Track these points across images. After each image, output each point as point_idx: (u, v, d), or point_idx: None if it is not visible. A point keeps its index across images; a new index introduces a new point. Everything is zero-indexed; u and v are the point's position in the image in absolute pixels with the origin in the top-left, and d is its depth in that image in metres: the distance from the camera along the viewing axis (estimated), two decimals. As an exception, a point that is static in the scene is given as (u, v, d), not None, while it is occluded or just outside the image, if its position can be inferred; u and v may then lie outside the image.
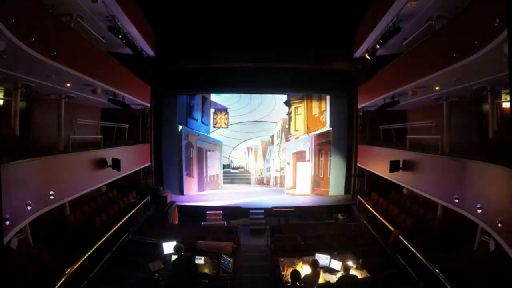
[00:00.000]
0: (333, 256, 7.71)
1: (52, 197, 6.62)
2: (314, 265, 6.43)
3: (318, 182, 17.64)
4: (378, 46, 11.80)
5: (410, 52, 9.38)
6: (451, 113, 9.26)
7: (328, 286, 6.91)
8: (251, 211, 14.30)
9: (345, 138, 16.07)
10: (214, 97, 21.45)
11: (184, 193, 16.91)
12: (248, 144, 24.78)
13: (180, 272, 6.22)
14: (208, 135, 21.14)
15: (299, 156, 18.56)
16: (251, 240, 12.10)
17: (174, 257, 7.08)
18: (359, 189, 14.70)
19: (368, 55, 12.93)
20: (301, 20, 13.91)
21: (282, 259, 8.09)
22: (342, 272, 6.61)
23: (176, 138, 16.49)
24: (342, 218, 13.90)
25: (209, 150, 20.42)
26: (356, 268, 7.52)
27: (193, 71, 15.26)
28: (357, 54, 13.93)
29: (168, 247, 8.21)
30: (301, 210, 14.76)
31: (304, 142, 18.51)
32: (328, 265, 7.56)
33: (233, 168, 24.63)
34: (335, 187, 16.57)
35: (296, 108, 19.58)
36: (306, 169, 18.05)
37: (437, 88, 8.55)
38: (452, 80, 7.49)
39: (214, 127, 22.37)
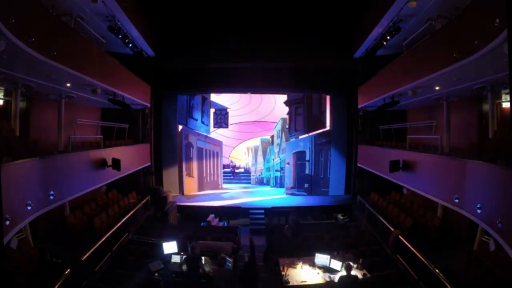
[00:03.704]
0: (333, 256, 7.72)
1: (52, 197, 6.61)
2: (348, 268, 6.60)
3: (318, 182, 17.65)
4: (378, 46, 11.81)
5: (410, 52, 9.37)
6: (451, 113, 9.26)
7: (330, 286, 6.93)
8: (251, 211, 14.30)
9: (345, 138, 16.05)
10: (214, 97, 21.48)
11: (184, 193, 16.92)
12: (248, 144, 24.78)
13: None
14: (208, 135, 21.14)
15: (299, 156, 18.58)
16: (251, 240, 12.07)
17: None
18: (359, 189, 14.69)
19: (368, 55, 12.94)
20: (301, 20, 13.91)
21: (282, 259, 8.09)
22: (344, 271, 6.72)
23: (176, 138, 16.49)
24: (342, 218, 13.90)
25: (209, 150, 20.43)
26: (356, 268, 7.53)
27: (193, 71, 15.25)
28: (357, 54, 13.93)
29: (168, 247, 8.23)
30: (301, 210, 14.76)
31: (304, 142, 18.52)
32: (328, 265, 7.58)
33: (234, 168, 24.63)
34: (335, 187, 16.57)
35: (296, 108, 19.60)
36: (306, 169, 18.07)
37: (437, 88, 8.55)
38: (452, 80, 7.49)
39: (214, 127, 22.38)
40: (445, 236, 8.64)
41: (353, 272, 6.82)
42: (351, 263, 6.95)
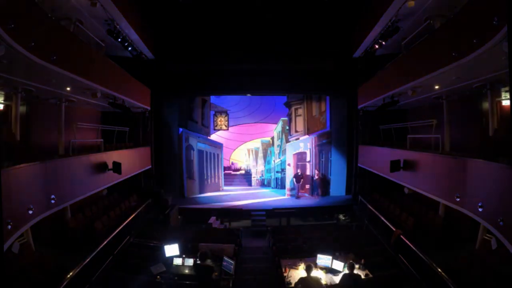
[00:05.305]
0: (335, 257, 7.70)
1: (53, 201, 6.61)
2: (308, 269, 6.56)
3: (319, 183, 17.61)
4: (377, 46, 11.83)
5: (409, 52, 9.38)
6: (451, 112, 9.25)
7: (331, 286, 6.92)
8: (252, 212, 14.29)
9: (346, 138, 16.06)
10: (214, 99, 21.48)
11: (185, 195, 16.91)
12: (248, 145, 24.78)
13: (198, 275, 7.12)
14: (209, 137, 21.15)
15: (300, 157, 18.56)
16: (253, 242, 12.08)
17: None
18: (360, 189, 14.67)
19: (367, 55, 12.95)
20: (300, 21, 13.95)
21: (284, 260, 8.08)
22: (346, 270, 6.73)
23: (177, 141, 16.49)
24: (343, 218, 13.89)
25: (210, 152, 20.43)
26: (359, 268, 7.51)
27: (192, 74, 15.29)
28: (356, 54, 13.94)
29: (170, 249, 8.22)
30: (302, 211, 14.75)
31: (304, 143, 18.51)
32: (330, 266, 7.56)
33: (234, 170, 24.66)
34: (336, 187, 16.56)
35: (296, 109, 19.61)
36: (307, 170, 18.06)
37: (436, 87, 8.55)
38: (452, 79, 7.49)
39: (214, 129, 22.38)
40: (447, 235, 8.61)
41: (356, 272, 6.83)
42: (353, 262, 6.97)
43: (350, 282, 6.50)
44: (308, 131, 18.65)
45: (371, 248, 9.42)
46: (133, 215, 10.89)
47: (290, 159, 18.94)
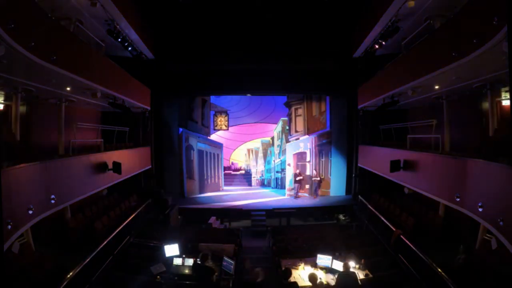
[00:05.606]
0: (335, 257, 7.70)
1: (53, 201, 6.61)
2: (312, 279, 6.57)
3: (318, 183, 17.59)
4: (377, 46, 11.83)
5: (409, 52, 9.38)
6: (451, 112, 9.25)
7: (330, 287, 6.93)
8: (252, 212, 14.28)
9: (346, 138, 16.06)
10: (214, 99, 21.48)
11: (185, 195, 16.90)
12: (248, 145, 24.76)
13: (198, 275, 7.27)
14: (208, 137, 21.14)
15: (300, 157, 18.56)
16: (253, 242, 12.08)
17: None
18: (360, 190, 14.67)
19: (367, 55, 12.94)
20: (300, 21, 13.94)
21: (284, 260, 8.08)
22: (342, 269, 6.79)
23: (177, 141, 16.49)
24: (343, 218, 13.88)
25: (210, 152, 20.42)
26: (359, 268, 7.52)
27: (192, 74, 15.28)
28: (356, 54, 13.94)
29: (170, 249, 8.23)
30: (302, 211, 14.75)
31: (304, 143, 18.51)
32: (330, 266, 7.57)
33: (234, 170, 24.66)
34: (336, 187, 16.56)
35: (296, 109, 19.59)
36: (307, 170, 18.05)
37: (436, 87, 8.55)
38: (452, 79, 7.49)
39: (214, 129, 22.35)
40: (447, 235, 8.62)
41: (355, 271, 6.84)
42: (351, 263, 6.99)
43: (346, 279, 6.50)
44: (308, 131, 18.64)
45: (371, 248, 9.42)
46: (133, 215, 10.88)
47: (290, 159, 18.93)
